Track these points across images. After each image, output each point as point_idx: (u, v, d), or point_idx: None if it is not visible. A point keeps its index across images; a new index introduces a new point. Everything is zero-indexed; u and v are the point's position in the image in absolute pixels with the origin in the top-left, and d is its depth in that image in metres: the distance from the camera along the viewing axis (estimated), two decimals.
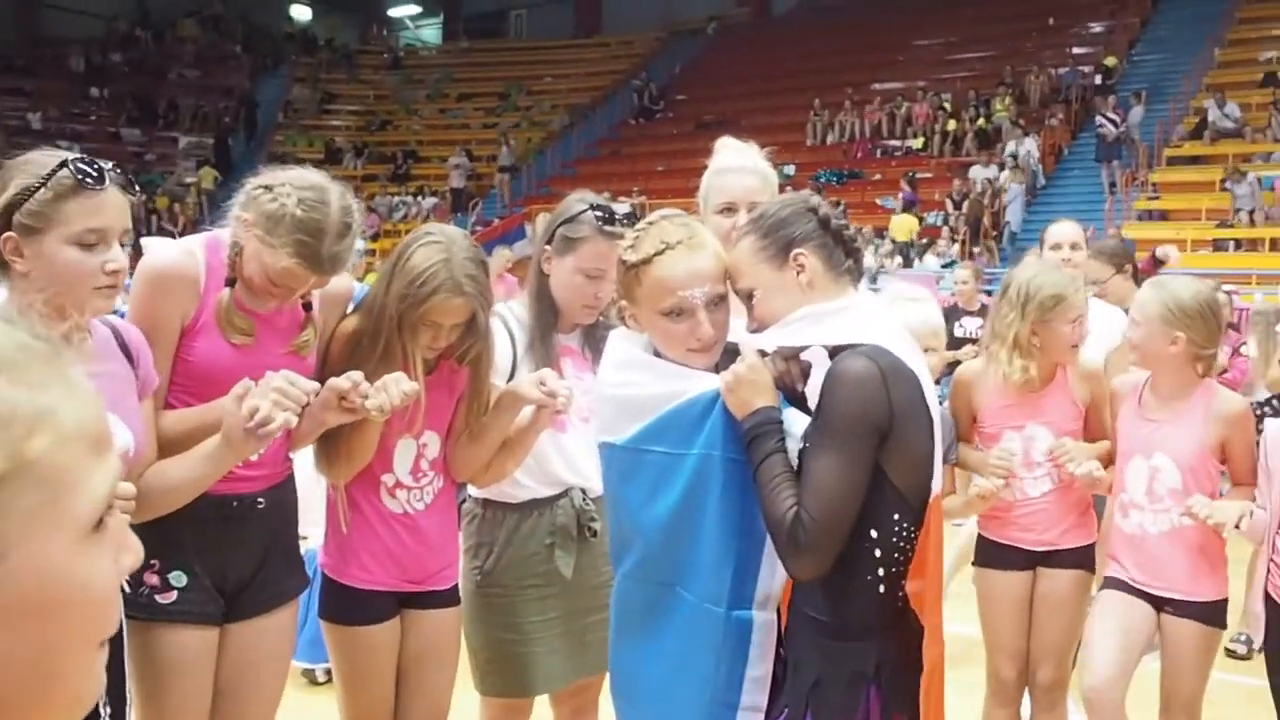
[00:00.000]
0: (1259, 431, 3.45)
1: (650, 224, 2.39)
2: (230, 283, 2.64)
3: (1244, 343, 7.16)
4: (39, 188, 2.19)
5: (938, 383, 4.04)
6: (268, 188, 2.57)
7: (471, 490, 3.19)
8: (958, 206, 21.00)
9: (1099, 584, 3.68)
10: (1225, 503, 3.35)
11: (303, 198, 2.53)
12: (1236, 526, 3.27)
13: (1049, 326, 3.56)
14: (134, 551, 0.91)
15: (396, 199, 27.88)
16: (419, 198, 27.82)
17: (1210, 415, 3.45)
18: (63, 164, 2.21)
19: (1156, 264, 6.82)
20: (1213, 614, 3.48)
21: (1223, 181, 19.30)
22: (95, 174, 2.23)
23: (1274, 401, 6.73)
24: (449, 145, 29.93)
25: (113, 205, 2.26)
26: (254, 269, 2.59)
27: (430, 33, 40.86)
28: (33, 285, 2.20)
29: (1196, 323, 3.41)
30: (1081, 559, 3.68)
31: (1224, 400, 3.51)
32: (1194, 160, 21.10)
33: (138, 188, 2.39)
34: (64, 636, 0.83)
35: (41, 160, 2.23)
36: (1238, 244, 18.57)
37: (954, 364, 3.90)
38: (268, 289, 2.62)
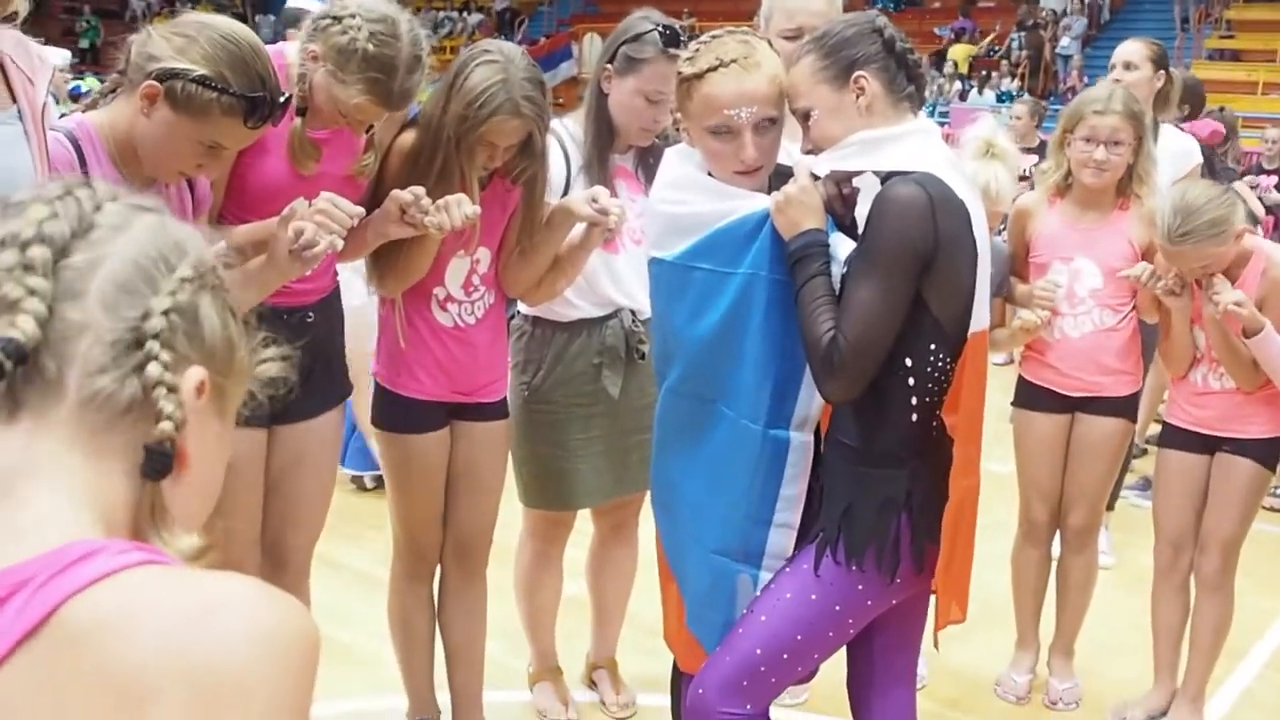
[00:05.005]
0: None
1: (714, 37, 2.36)
2: (301, 112, 2.61)
3: None
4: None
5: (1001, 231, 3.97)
6: (336, 19, 2.52)
7: (521, 307, 3.23)
8: (1021, 34, 20.33)
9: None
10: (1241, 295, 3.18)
11: (373, 31, 2.49)
12: (1247, 333, 3.17)
13: (1072, 142, 3.52)
14: None
15: (442, 14, 27.37)
16: (464, 14, 27.29)
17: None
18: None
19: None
20: (1268, 452, 3.40)
21: None
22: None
23: None
24: None
25: None
26: (323, 100, 2.58)
27: None
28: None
29: None
30: (1121, 408, 3.60)
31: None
32: None
33: None
34: None
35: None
36: None
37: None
38: (336, 120, 2.62)
